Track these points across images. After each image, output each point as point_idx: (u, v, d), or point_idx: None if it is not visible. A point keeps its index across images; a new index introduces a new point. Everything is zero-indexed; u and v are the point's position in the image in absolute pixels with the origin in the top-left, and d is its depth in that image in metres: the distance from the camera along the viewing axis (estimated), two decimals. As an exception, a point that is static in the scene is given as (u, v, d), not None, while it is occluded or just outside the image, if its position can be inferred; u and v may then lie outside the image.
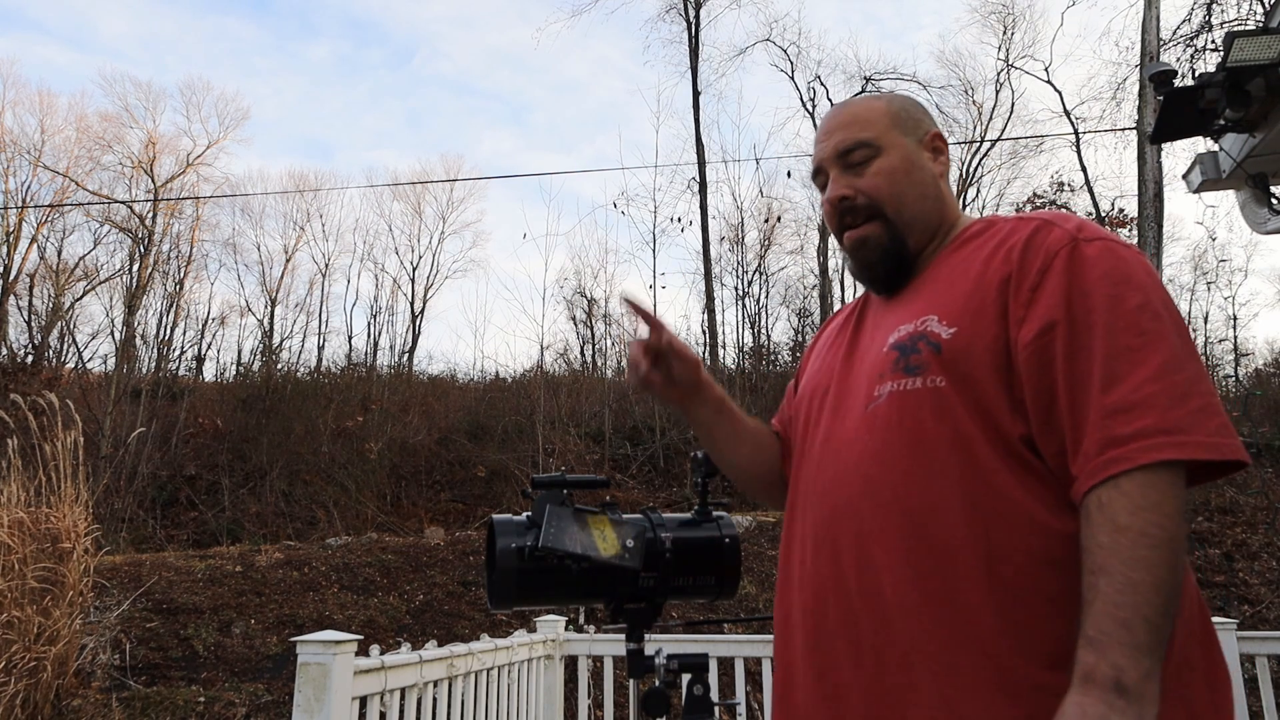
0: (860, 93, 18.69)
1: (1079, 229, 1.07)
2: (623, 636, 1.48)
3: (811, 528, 1.18)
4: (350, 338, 21.12)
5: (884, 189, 1.21)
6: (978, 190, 19.26)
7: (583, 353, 18.20)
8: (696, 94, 18.34)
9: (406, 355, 20.00)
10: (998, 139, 18.80)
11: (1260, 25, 3.79)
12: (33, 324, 19.54)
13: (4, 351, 16.33)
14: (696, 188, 17.45)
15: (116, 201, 20.24)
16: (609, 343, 18.28)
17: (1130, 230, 14.50)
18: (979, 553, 1.00)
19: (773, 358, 15.74)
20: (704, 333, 16.28)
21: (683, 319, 26.75)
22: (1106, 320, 1.00)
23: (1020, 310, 1.04)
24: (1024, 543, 0.99)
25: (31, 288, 19.91)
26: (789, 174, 27.38)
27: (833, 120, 1.28)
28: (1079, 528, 0.96)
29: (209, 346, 20.11)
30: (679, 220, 16.89)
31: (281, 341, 20.23)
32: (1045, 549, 0.98)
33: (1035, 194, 17.44)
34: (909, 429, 1.08)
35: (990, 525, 1.01)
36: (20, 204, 19.97)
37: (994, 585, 0.99)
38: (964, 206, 18.37)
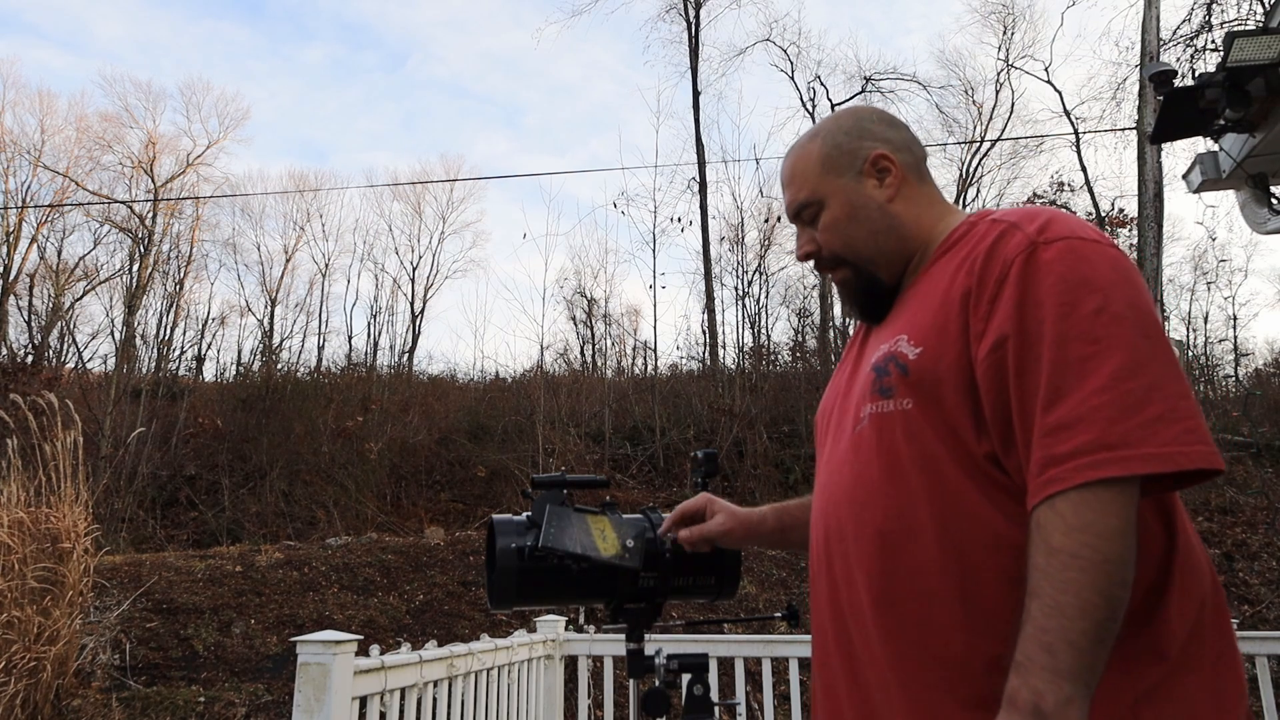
0: (856, 95, 18.69)
1: (1041, 230, 1.03)
2: (623, 636, 1.48)
3: (816, 549, 1.20)
4: (350, 338, 21.15)
5: (834, 243, 1.25)
6: (978, 190, 19.27)
7: (583, 353, 18.21)
8: (696, 94, 18.36)
9: (406, 355, 20.02)
10: (998, 139, 18.81)
11: (1260, 25, 3.79)
12: (33, 324, 19.57)
13: (4, 351, 16.33)
14: (696, 188, 17.45)
15: (116, 201, 20.25)
16: (609, 343, 18.30)
17: (1130, 230, 14.50)
18: (953, 575, 1.00)
19: (773, 358, 15.73)
20: (704, 333, 16.29)
21: (683, 319, 26.90)
22: (1057, 330, 0.96)
23: (980, 325, 1.02)
24: (996, 562, 0.99)
25: (31, 288, 19.93)
26: (789, 174, 27.37)
27: (782, 174, 1.31)
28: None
29: (209, 346, 20.14)
30: (679, 220, 16.85)
31: (281, 341, 20.25)
32: (1017, 567, 0.96)
33: (1035, 194, 17.43)
34: (885, 452, 1.08)
35: (963, 547, 1.00)
36: (20, 204, 19.97)
37: (968, 608, 0.99)
38: (964, 207, 18.37)
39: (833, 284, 1.32)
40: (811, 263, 1.29)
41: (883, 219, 1.22)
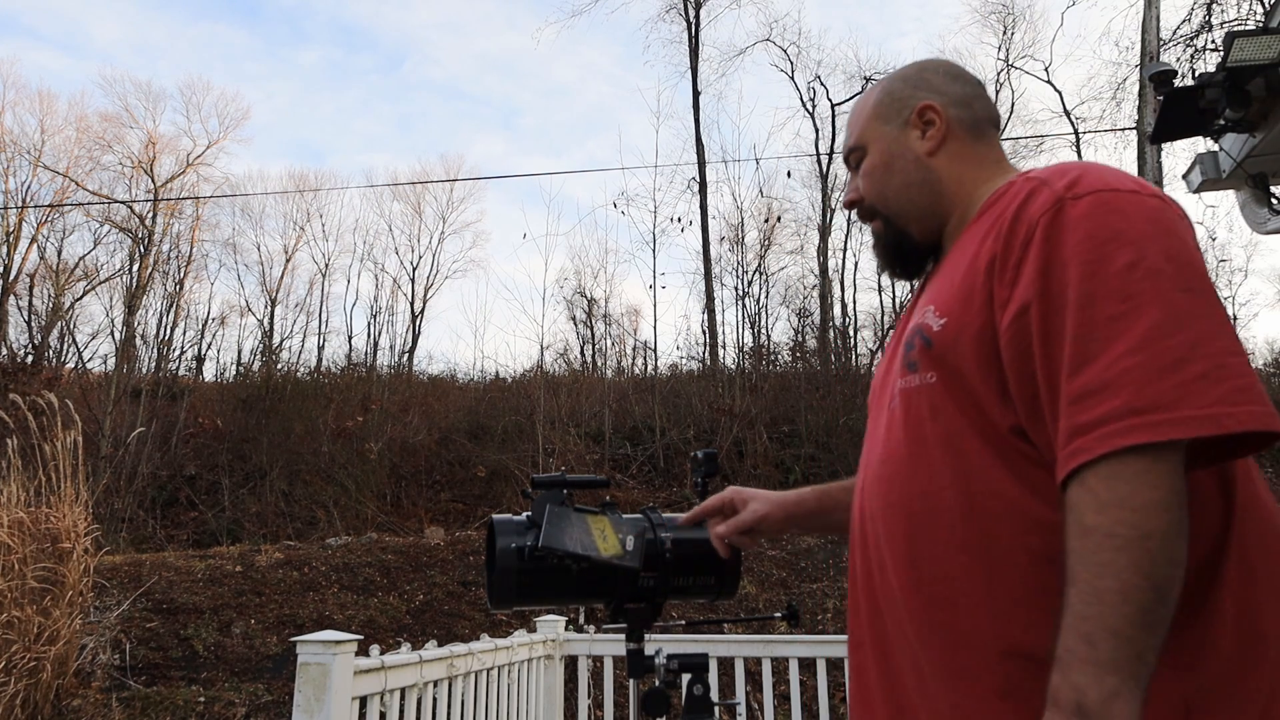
0: (856, 95, 18.70)
1: (1071, 185, 0.95)
2: (623, 636, 1.48)
3: (853, 531, 1.18)
4: (350, 338, 21.15)
5: (870, 190, 1.22)
6: (978, 190, 19.24)
7: (583, 353, 18.22)
8: (696, 94, 18.37)
9: (406, 355, 20.02)
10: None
11: (1260, 25, 3.79)
12: (33, 324, 19.57)
13: (4, 351, 16.33)
14: (696, 188, 17.45)
15: (116, 201, 20.24)
16: (609, 343, 18.30)
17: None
18: (978, 555, 0.96)
19: (773, 358, 15.73)
20: (704, 333, 16.29)
21: (683, 319, 26.89)
22: (1084, 290, 0.88)
23: (1005, 292, 0.95)
24: (1023, 540, 0.93)
25: (31, 288, 19.94)
26: (789, 174, 27.34)
27: (847, 121, 1.31)
28: None
29: (209, 346, 20.15)
30: (679, 220, 16.83)
31: (281, 341, 20.26)
32: (1045, 545, 0.91)
33: (1035, 194, 17.40)
34: (912, 428, 1.05)
35: (987, 526, 0.96)
36: (20, 204, 19.97)
37: (993, 590, 0.94)
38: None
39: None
40: (855, 211, 1.26)
41: (918, 172, 1.18)
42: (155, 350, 18.62)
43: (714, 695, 1.57)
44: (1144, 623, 0.79)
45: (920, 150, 1.18)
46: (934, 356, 1.03)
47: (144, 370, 17.32)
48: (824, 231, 17.64)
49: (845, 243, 17.99)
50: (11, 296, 19.18)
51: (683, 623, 2.06)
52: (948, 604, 0.98)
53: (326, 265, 21.54)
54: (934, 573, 1.00)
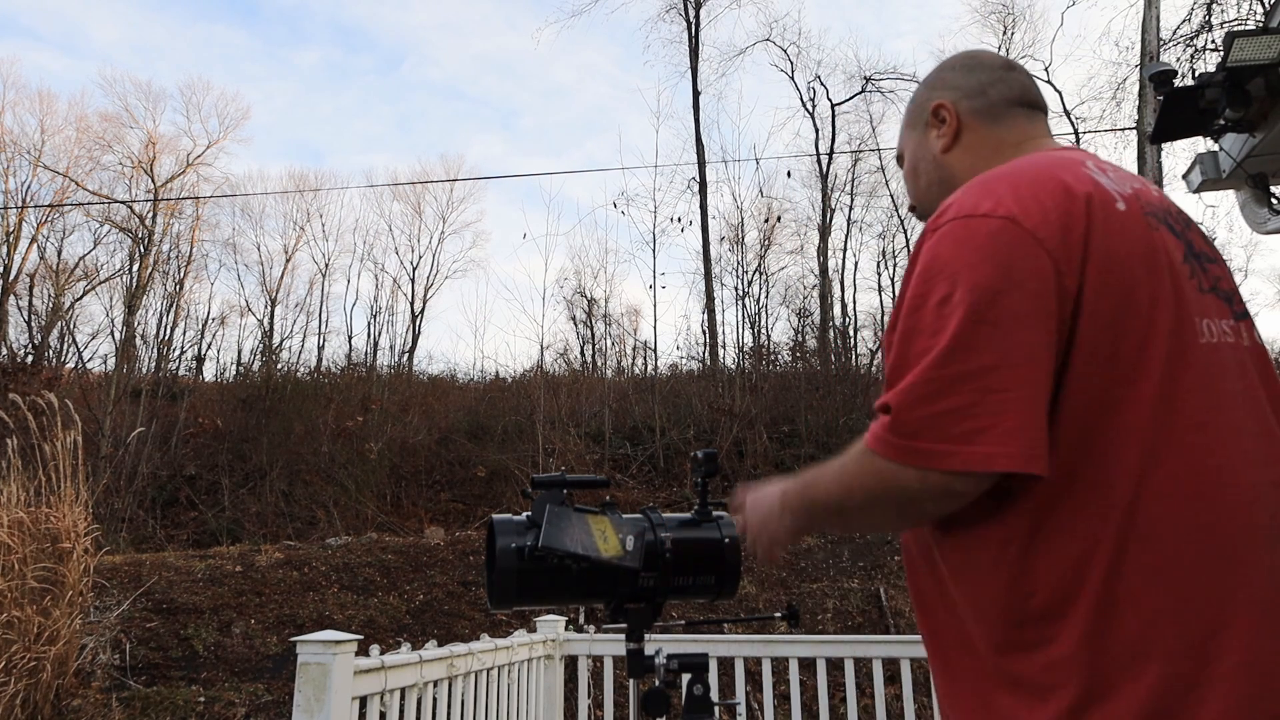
0: (856, 95, 18.70)
1: (940, 215, 1.00)
2: (623, 636, 1.48)
3: None
4: (350, 338, 21.15)
5: (910, 195, 1.30)
6: (978, 190, 19.22)
7: (583, 353, 18.22)
8: (696, 94, 18.36)
9: (406, 355, 20.02)
10: (998, 139, 18.74)
11: (1260, 25, 3.79)
12: (33, 324, 19.57)
13: (4, 351, 16.33)
14: (696, 188, 17.45)
15: (116, 201, 20.24)
16: (609, 343, 18.30)
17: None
18: (931, 564, 1.06)
19: (773, 358, 15.72)
20: (704, 333, 16.29)
21: (683, 319, 26.89)
22: (905, 327, 0.96)
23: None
24: (927, 560, 1.06)
25: (31, 288, 19.93)
26: (789, 174, 27.33)
27: None
28: (1001, 533, 0.94)
29: (209, 346, 20.14)
30: (679, 220, 16.82)
31: (281, 341, 20.25)
32: (964, 559, 1.01)
33: (1035, 194, 17.38)
34: None
35: (924, 539, 1.07)
36: (20, 204, 19.97)
37: (946, 596, 1.03)
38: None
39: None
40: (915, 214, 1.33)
41: (935, 171, 1.22)
42: (155, 350, 18.64)
43: (714, 695, 1.57)
44: (824, 504, 1.06)
45: (936, 149, 1.22)
46: (887, 382, 1.11)
47: (144, 370, 17.33)
48: (824, 231, 17.65)
49: (845, 243, 18.03)
50: (11, 296, 19.19)
51: (683, 623, 2.06)
52: (928, 611, 1.08)
53: (326, 265, 21.55)
54: (916, 584, 1.12)
